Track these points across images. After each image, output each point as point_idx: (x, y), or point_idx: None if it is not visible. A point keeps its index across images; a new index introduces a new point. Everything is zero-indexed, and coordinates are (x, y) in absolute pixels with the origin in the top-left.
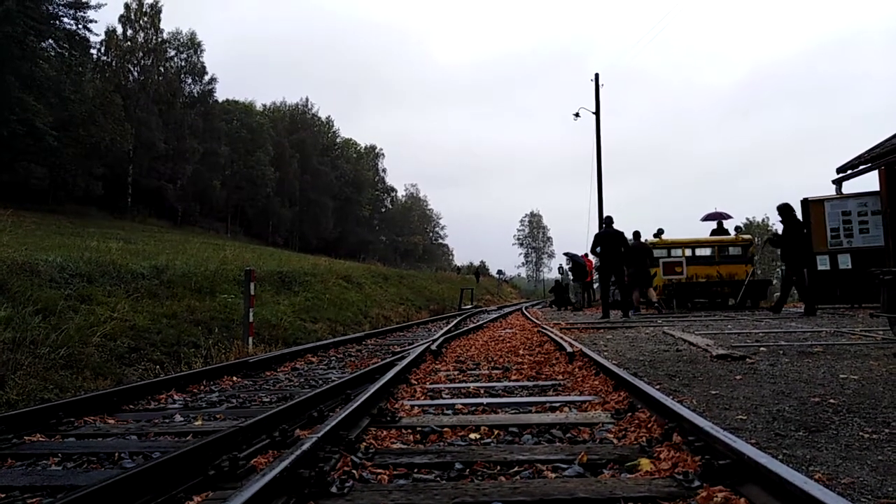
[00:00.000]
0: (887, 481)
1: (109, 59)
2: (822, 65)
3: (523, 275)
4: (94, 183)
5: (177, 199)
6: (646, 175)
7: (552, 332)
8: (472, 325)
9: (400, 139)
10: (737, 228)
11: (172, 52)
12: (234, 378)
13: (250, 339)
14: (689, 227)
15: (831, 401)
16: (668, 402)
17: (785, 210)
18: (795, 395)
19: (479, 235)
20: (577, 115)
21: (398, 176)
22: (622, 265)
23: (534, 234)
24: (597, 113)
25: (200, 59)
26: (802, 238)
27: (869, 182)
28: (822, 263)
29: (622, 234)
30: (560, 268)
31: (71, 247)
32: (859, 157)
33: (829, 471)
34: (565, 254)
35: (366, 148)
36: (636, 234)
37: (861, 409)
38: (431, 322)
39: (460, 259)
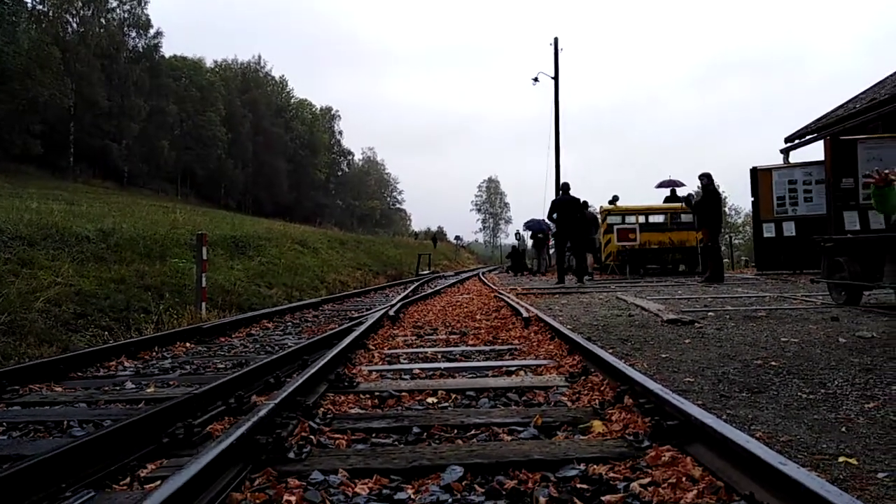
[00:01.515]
0: (822, 438)
1: (46, 9)
2: (779, 36)
3: (480, 240)
4: (33, 141)
5: (123, 159)
6: (606, 143)
7: (509, 298)
8: (429, 291)
9: (357, 102)
10: (687, 198)
11: (114, 3)
12: (188, 344)
13: (203, 305)
14: (646, 195)
15: (773, 363)
16: (620, 365)
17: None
18: (740, 358)
19: (437, 201)
20: (535, 79)
21: (355, 139)
22: (578, 231)
23: (491, 201)
24: (556, 78)
25: (145, 11)
26: (718, 207)
27: (815, 152)
28: (769, 231)
29: (579, 200)
30: (517, 234)
31: (9, 208)
32: (806, 127)
33: (770, 430)
34: (527, 226)
35: (321, 110)
36: (583, 204)
37: (800, 370)
38: (389, 287)
39: (418, 224)
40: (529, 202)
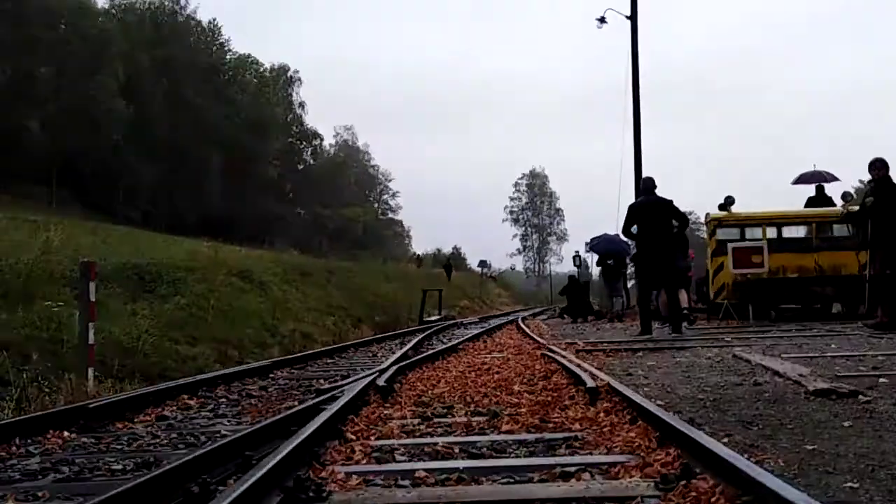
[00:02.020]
0: None
1: None
2: None
3: (519, 267)
4: None
5: None
6: (700, 117)
7: (564, 357)
8: (440, 347)
9: (327, 61)
10: (845, 196)
11: None
12: (66, 434)
13: (91, 372)
14: (774, 196)
15: None
16: (742, 462)
17: (879, 167)
18: None
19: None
20: (602, 20)
21: (324, 115)
22: (670, 252)
23: (535, 205)
24: (633, 17)
25: None
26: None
27: None
28: None
29: (671, 203)
30: (576, 258)
31: None
32: None
33: None
34: (592, 246)
35: (272, 69)
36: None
37: None
38: (379, 342)
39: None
40: (594, 209)
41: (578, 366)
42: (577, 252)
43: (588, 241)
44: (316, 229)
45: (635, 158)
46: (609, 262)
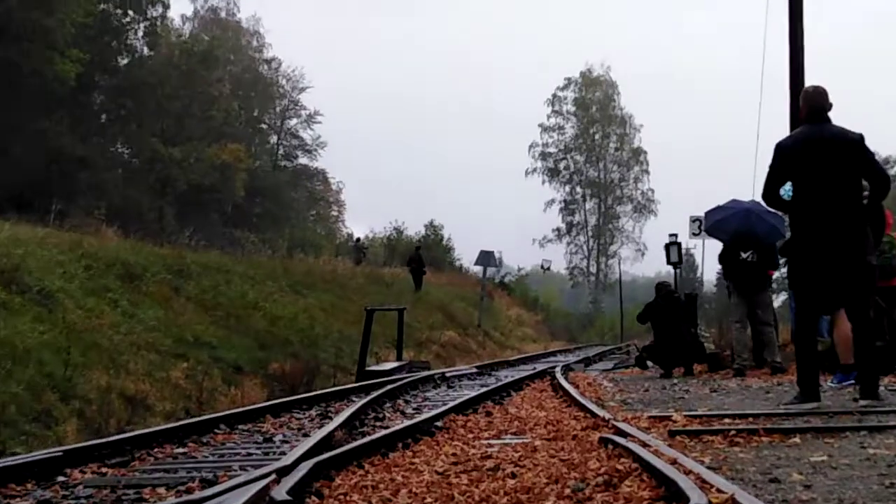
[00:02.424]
0: None
1: None
2: None
3: (558, 265)
4: None
5: None
6: None
7: (645, 446)
8: (400, 424)
9: None
10: None
11: None
12: None
13: None
14: None
15: None
16: None
17: None
18: None
19: (423, 150)
20: None
21: None
22: (860, 235)
23: (591, 141)
24: None
25: None
26: None
27: None
28: None
29: (862, 143)
30: (672, 247)
31: None
32: None
33: None
34: (714, 225)
35: None
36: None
37: None
38: (277, 413)
39: (366, 218)
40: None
41: (674, 462)
42: (673, 237)
43: (699, 216)
44: (153, 187)
45: (791, 54)
46: (745, 255)
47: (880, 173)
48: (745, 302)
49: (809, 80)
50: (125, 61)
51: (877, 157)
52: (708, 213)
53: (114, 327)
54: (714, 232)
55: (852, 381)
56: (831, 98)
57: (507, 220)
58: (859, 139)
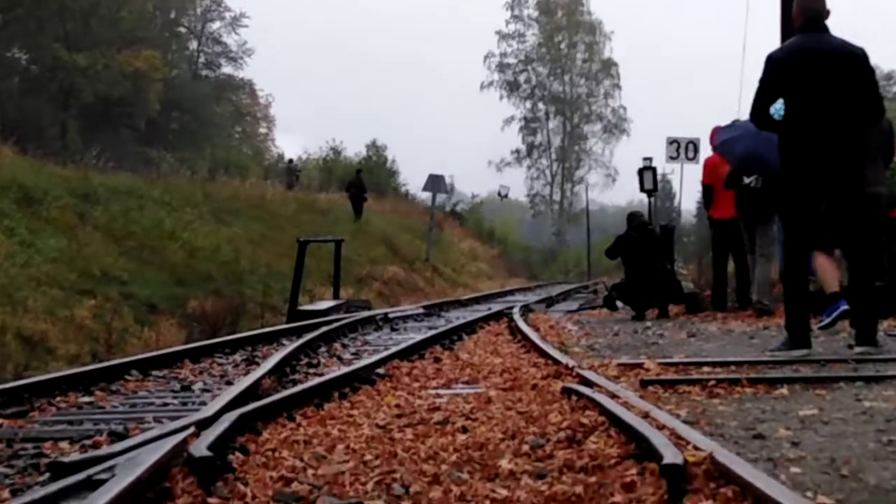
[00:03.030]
0: None
1: None
2: None
3: (517, 192)
4: None
5: None
6: None
7: (613, 396)
8: (337, 372)
9: None
10: None
11: None
12: None
13: None
14: None
15: None
16: None
17: None
18: None
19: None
20: None
21: None
22: (858, 161)
23: (556, 51)
24: None
25: None
26: None
27: None
28: None
29: (863, 58)
30: (646, 172)
31: None
32: None
33: None
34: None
35: None
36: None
37: None
38: (197, 358)
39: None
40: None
41: (646, 416)
42: (648, 161)
43: (677, 137)
44: (55, 99)
45: None
46: (749, 180)
47: (878, 97)
48: (760, 231)
49: None
50: None
51: (878, 73)
52: (719, 130)
53: (9, 258)
54: (722, 151)
55: (845, 308)
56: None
57: (460, 141)
58: (862, 53)
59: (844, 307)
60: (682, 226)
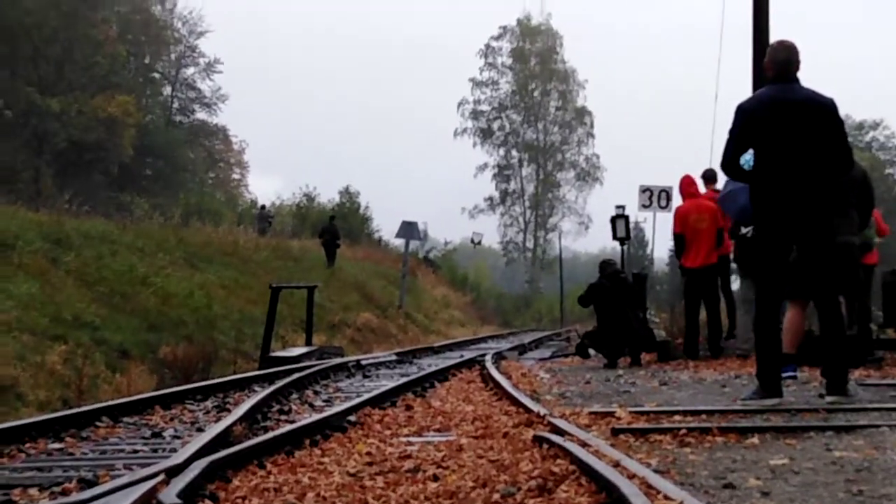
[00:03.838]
0: None
1: None
2: None
3: (490, 239)
4: None
5: None
6: None
7: (584, 445)
8: (308, 419)
9: None
10: None
11: None
12: None
13: None
14: None
15: None
16: None
17: None
18: None
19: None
20: None
21: None
22: (828, 210)
23: (529, 99)
24: None
25: None
26: None
27: None
28: None
29: (832, 109)
30: (619, 221)
31: None
32: None
33: None
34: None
35: None
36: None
37: None
38: (168, 404)
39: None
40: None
41: (617, 465)
42: (620, 209)
43: (649, 185)
44: (28, 144)
45: (755, 4)
46: (745, 230)
47: (847, 147)
48: (749, 281)
49: (774, 33)
50: None
51: (849, 122)
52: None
53: None
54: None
55: (791, 374)
56: (800, 56)
57: (434, 188)
58: (831, 104)
59: (791, 373)
60: (654, 274)
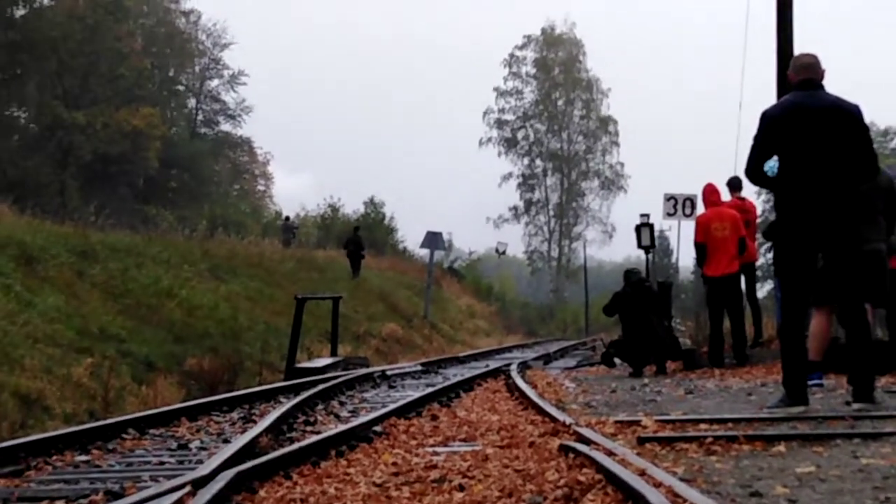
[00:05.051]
0: None
1: None
2: None
3: (515, 248)
4: None
5: None
6: None
7: (611, 454)
8: (334, 430)
9: None
10: None
11: None
12: None
13: None
14: None
15: None
16: None
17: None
18: None
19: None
20: None
21: None
22: (854, 216)
23: (553, 108)
24: None
25: None
26: None
27: None
28: None
29: (858, 115)
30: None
31: None
32: None
33: None
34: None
35: None
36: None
37: None
38: (194, 416)
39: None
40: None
41: (643, 473)
42: (645, 217)
43: (674, 193)
44: (54, 157)
45: (778, 10)
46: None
47: (872, 154)
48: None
49: (798, 41)
50: (21, 12)
51: (874, 129)
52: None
53: (7, 317)
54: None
55: (817, 381)
56: (823, 65)
57: (458, 197)
58: (856, 110)
59: (817, 381)
60: (679, 282)
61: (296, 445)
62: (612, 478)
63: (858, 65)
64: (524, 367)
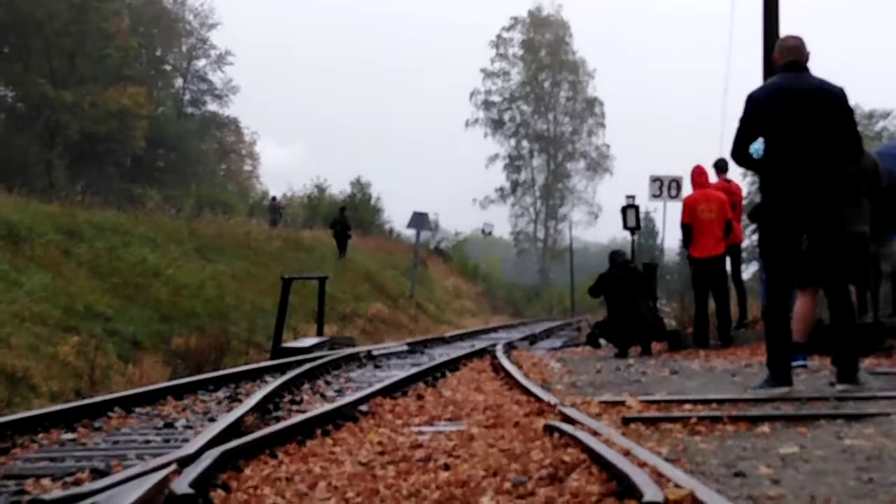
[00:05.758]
0: None
1: None
2: None
3: (502, 229)
4: None
5: None
6: None
7: (595, 435)
8: (320, 409)
9: None
10: None
11: None
12: None
13: None
14: None
15: None
16: None
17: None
18: None
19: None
20: None
21: None
22: (836, 199)
23: (539, 90)
24: None
25: None
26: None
27: None
28: None
29: (842, 98)
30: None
31: None
32: None
33: None
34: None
35: None
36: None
37: None
38: (180, 394)
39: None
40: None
41: (627, 453)
42: (631, 199)
43: (660, 175)
44: (41, 136)
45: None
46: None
47: (857, 136)
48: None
49: (785, 24)
50: None
51: (859, 111)
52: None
53: None
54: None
55: (801, 363)
56: (809, 47)
57: (444, 178)
58: (841, 93)
59: (801, 362)
60: (664, 264)
61: (281, 424)
62: (596, 458)
63: (844, 47)
64: (509, 347)
